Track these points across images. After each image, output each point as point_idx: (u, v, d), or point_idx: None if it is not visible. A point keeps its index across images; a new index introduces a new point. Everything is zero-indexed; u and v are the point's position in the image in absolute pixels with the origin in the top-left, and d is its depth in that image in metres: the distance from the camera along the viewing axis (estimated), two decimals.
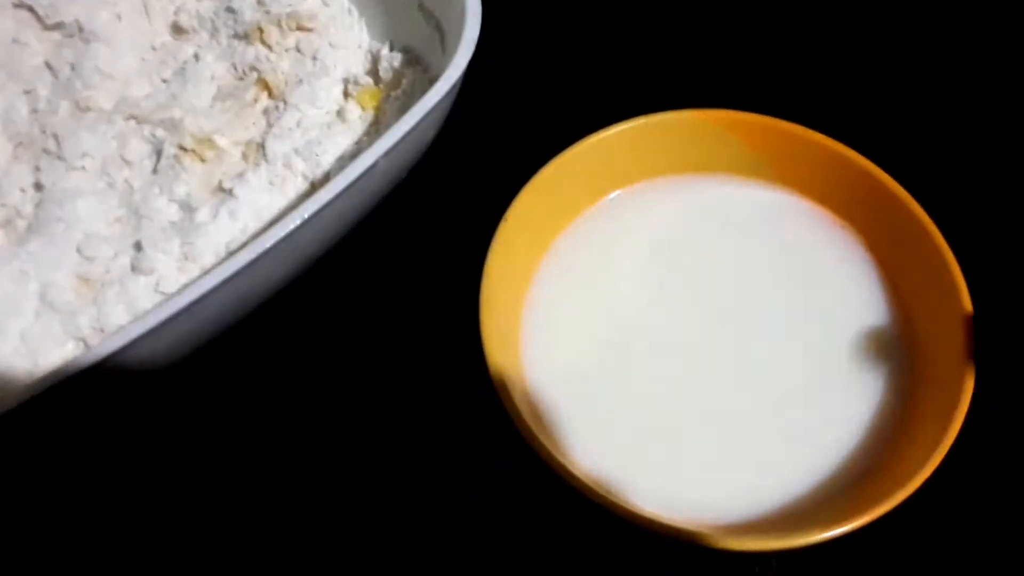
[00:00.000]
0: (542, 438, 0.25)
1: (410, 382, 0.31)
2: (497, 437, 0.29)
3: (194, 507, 0.29)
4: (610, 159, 0.31)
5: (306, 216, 0.25)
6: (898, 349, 0.29)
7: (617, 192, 0.33)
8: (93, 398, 0.25)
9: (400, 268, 0.34)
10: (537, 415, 0.28)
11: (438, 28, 0.33)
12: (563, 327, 0.30)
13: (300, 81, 0.34)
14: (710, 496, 0.26)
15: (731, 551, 0.23)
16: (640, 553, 0.28)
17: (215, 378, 0.31)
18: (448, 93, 0.28)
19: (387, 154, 0.27)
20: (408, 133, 0.27)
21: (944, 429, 0.25)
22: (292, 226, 0.25)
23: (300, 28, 0.35)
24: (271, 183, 0.32)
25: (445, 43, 0.32)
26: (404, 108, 0.32)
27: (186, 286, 0.28)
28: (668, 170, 0.33)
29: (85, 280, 0.29)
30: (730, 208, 0.32)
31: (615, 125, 0.31)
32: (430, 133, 0.30)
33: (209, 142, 0.32)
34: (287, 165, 0.32)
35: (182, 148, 0.32)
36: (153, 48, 0.35)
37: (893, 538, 0.27)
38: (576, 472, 0.24)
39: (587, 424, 0.28)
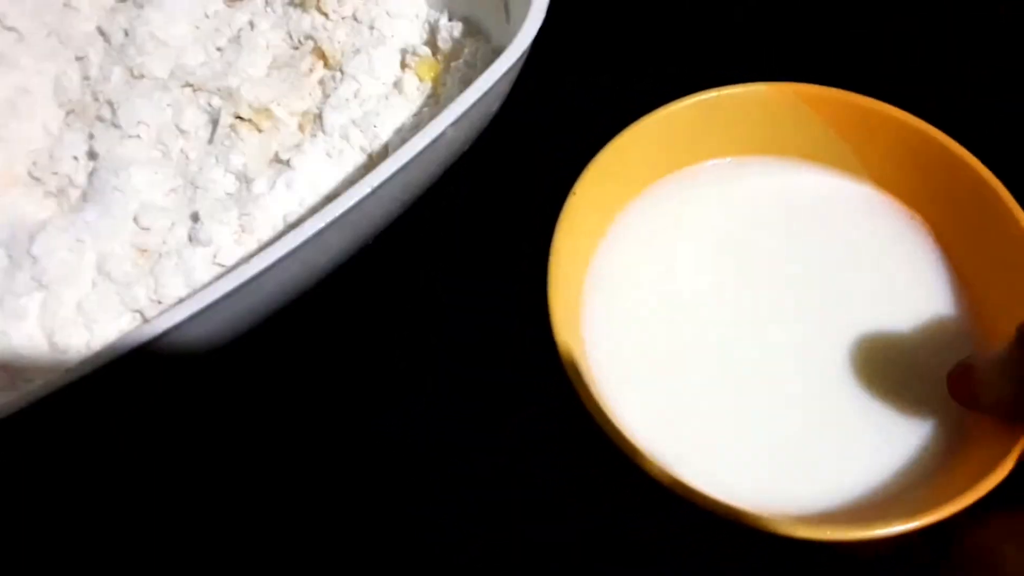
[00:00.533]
0: (613, 420, 0.24)
1: (445, 361, 0.31)
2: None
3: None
4: (680, 133, 0.30)
5: (375, 185, 0.24)
6: (969, 341, 0.28)
7: (684, 169, 0.31)
8: (146, 373, 0.25)
9: (455, 243, 0.33)
10: (600, 394, 0.27)
11: None
12: (624, 306, 0.29)
13: (357, 51, 0.33)
14: (768, 485, 0.25)
15: (781, 543, 0.22)
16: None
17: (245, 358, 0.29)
18: (517, 62, 0.27)
19: (455, 123, 0.26)
20: (477, 102, 0.26)
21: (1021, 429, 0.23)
22: (361, 195, 0.24)
23: None
24: (328, 155, 0.31)
25: (510, 11, 0.31)
26: (466, 79, 0.31)
27: (245, 258, 0.27)
28: (738, 150, 0.31)
29: (142, 250, 0.28)
30: (798, 194, 0.31)
31: (686, 97, 0.30)
32: (496, 103, 0.29)
33: (266, 112, 0.31)
34: (344, 136, 0.31)
35: (238, 118, 0.31)
36: (207, 16, 0.34)
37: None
38: (647, 457, 0.23)
39: (645, 404, 0.27)
